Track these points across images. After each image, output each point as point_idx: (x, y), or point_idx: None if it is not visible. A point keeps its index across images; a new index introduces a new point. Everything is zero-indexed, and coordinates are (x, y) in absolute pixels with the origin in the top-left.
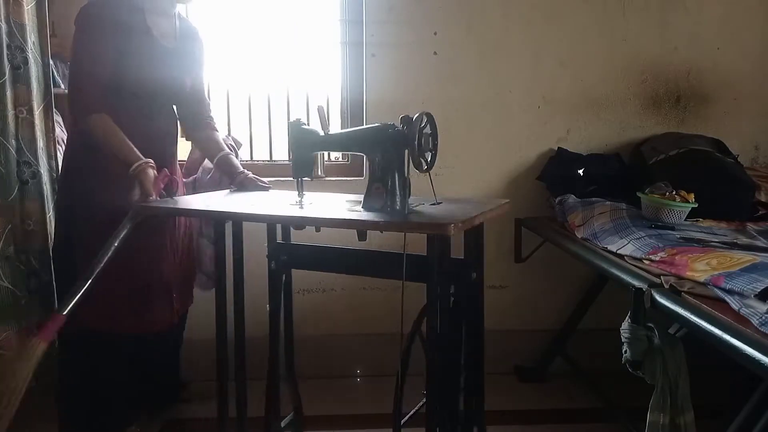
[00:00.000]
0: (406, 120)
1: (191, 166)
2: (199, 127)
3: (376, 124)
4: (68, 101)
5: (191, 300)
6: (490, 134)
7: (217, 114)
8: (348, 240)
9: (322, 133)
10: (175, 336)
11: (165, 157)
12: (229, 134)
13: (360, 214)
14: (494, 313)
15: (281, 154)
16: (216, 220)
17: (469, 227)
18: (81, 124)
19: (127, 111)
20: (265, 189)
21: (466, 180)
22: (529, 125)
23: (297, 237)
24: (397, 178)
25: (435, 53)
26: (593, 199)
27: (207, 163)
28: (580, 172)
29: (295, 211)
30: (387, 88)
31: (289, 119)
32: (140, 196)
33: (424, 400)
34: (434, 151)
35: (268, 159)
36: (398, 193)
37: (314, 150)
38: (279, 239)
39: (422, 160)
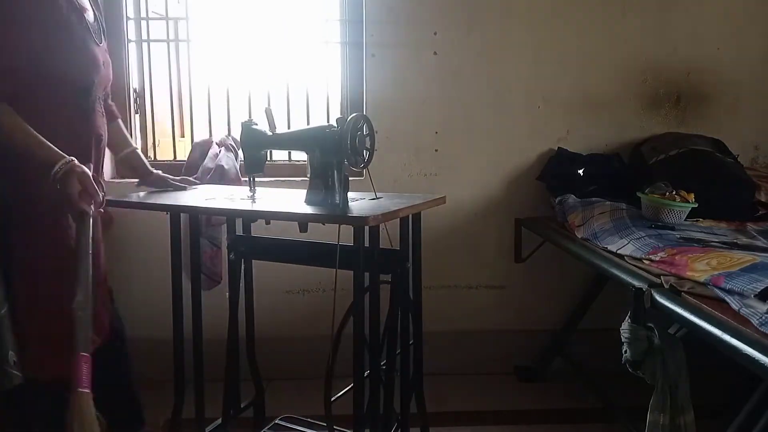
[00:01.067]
0: (341, 121)
1: (191, 166)
2: (108, 116)
3: (317, 125)
4: None
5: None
6: (490, 134)
7: (217, 114)
8: (312, 232)
9: (269, 133)
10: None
11: (99, 161)
12: (229, 134)
13: (298, 208)
14: (494, 313)
15: (281, 153)
16: (173, 213)
17: (391, 220)
18: None
19: (60, 107)
20: (182, 188)
21: (466, 180)
22: (529, 125)
23: (266, 231)
24: (335, 175)
25: (435, 53)
26: (593, 199)
27: (207, 162)
28: (580, 172)
29: (246, 205)
30: (387, 87)
31: (289, 119)
32: (86, 195)
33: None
34: (371, 150)
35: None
36: (336, 188)
37: (263, 148)
38: (241, 232)
39: (357, 159)
